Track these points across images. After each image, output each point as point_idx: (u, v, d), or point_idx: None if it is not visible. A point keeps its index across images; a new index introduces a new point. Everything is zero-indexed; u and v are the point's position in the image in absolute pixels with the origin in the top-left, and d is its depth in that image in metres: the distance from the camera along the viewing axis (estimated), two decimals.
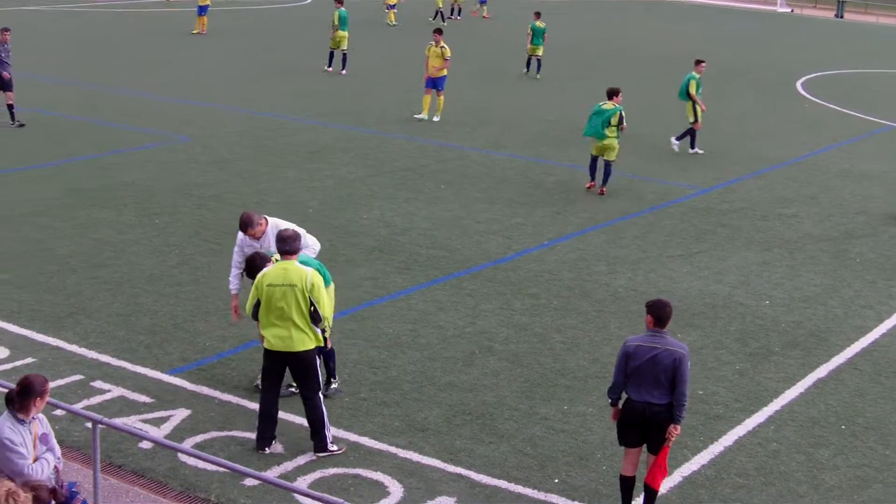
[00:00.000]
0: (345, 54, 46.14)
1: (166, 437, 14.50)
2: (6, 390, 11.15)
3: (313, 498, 10.93)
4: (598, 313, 19.84)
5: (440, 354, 17.64)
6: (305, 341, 14.18)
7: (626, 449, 13.25)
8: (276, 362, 14.36)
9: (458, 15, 70.62)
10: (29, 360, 16.56)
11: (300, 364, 14.29)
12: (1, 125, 31.69)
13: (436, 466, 14.23)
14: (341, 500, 10.24)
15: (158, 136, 31.70)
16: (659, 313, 12.95)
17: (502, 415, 15.72)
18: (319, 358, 14.74)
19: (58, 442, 11.45)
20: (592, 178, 28.52)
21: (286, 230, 14.65)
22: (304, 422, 15.00)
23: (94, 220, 23.52)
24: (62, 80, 40.21)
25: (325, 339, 14.64)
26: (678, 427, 12.85)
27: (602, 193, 28.19)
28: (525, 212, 25.94)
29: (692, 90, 33.23)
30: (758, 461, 14.92)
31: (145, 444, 14.16)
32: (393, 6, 65.36)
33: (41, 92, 37.45)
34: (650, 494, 13.11)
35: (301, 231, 15.73)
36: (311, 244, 15.95)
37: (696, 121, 33.38)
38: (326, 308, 14.39)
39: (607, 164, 28.23)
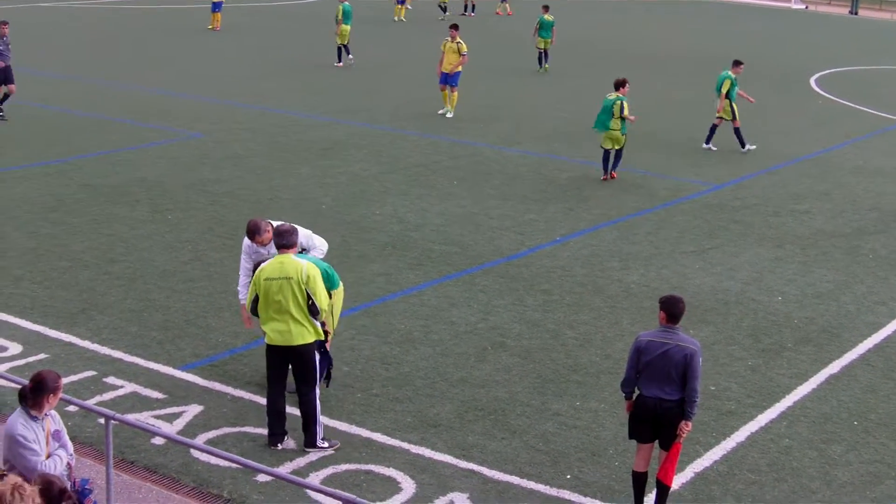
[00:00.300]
0: (346, 47, 46.66)
1: (179, 432, 14.53)
2: (19, 386, 11.16)
3: (326, 493, 10.92)
4: (611, 309, 19.83)
5: (452, 350, 17.65)
6: (305, 335, 14.18)
7: (638, 445, 13.25)
8: (278, 357, 14.36)
9: (472, 11, 70.53)
10: (42, 356, 16.61)
11: (299, 358, 14.28)
12: (13, 121, 31.80)
13: (448, 462, 14.24)
14: (354, 496, 10.24)
15: (171, 133, 31.76)
16: (671, 309, 12.94)
17: (514, 411, 15.72)
18: (319, 354, 14.67)
19: (70, 438, 11.45)
20: (606, 172, 29.02)
21: (283, 224, 14.72)
22: None
23: (106, 216, 23.57)
24: (75, 77, 40.29)
25: (325, 333, 14.64)
26: (689, 423, 12.83)
27: (612, 177, 29.18)
28: (538, 208, 25.93)
29: (724, 89, 33.13)
30: (770, 457, 14.91)
31: (158, 440, 14.19)
32: (402, 1, 65.47)
33: (54, 88, 37.58)
34: (662, 490, 13.10)
35: (307, 232, 15.77)
36: (318, 245, 15.91)
37: (734, 118, 33.29)
38: (324, 300, 14.31)
39: (617, 151, 29.22)
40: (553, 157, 31.58)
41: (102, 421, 12.89)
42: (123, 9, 64.50)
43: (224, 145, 30.54)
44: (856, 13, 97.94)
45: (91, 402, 14.65)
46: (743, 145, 33.47)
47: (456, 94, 36.40)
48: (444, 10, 67.41)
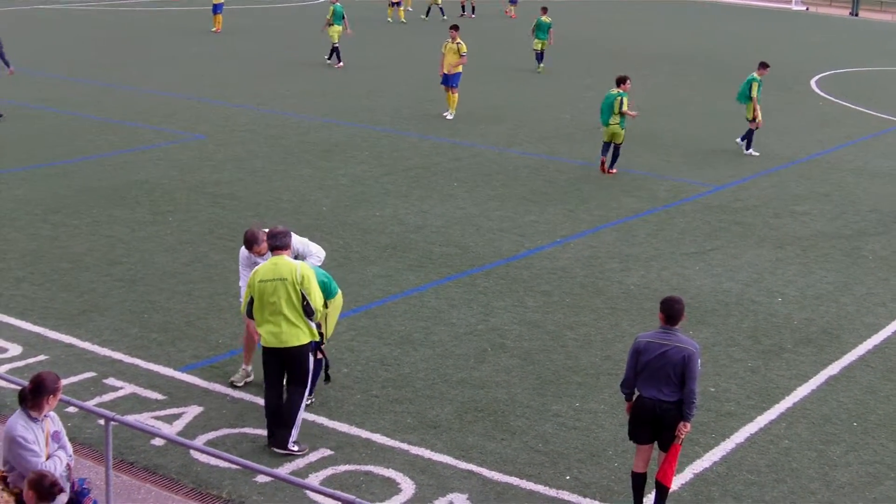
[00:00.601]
0: (336, 48, 47.09)
1: (178, 433, 14.54)
2: (19, 388, 11.18)
3: (325, 494, 10.92)
4: (611, 311, 19.85)
5: (452, 352, 17.66)
6: (300, 336, 14.16)
7: (637, 446, 13.26)
8: (274, 358, 14.33)
9: (472, 12, 70.53)
10: (42, 357, 16.62)
11: (293, 359, 14.25)
12: (14, 123, 31.86)
13: (447, 463, 14.25)
14: (353, 497, 10.25)
15: (172, 135, 31.78)
16: (669, 310, 12.95)
17: (514, 412, 15.74)
18: (314, 356, 14.63)
19: (70, 439, 11.49)
20: (603, 155, 30.10)
21: (276, 226, 14.69)
22: (315, 417, 15.14)
23: (107, 218, 23.59)
24: (75, 78, 40.29)
25: (320, 335, 14.63)
26: (688, 424, 12.83)
27: (610, 173, 29.89)
28: (538, 209, 25.94)
29: (754, 92, 33.20)
30: (769, 458, 14.92)
31: (157, 441, 14.20)
32: (398, 3, 65.72)
33: (55, 90, 37.60)
34: (661, 491, 13.11)
35: (304, 240, 15.73)
36: (314, 252, 15.85)
37: (753, 119, 33.36)
38: (318, 300, 14.26)
39: (615, 147, 29.93)
40: (553, 158, 31.59)
41: (102, 422, 12.89)
42: (123, 11, 64.53)
43: (225, 147, 30.56)
44: (856, 14, 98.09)
45: (91, 404, 14.63)
46: (748, 147, 33.51)
47: (456, 95, 36.42)
48: (429, 12, 67.67)
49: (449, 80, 36.43)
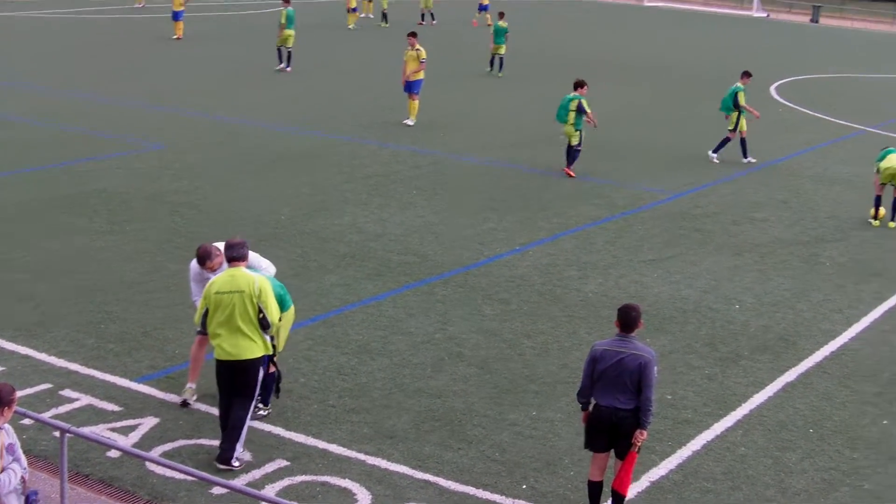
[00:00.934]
0: (289, 52, 47.74)
1: (134, 445, 14.46)
2: None
3: None
4: (569, 318, 19.89)
5: (410, 361, 17.65)
6: (254, 349, 14.05)
7: (593, 454, 13.29)
8: (227, 371, 14.17)
9: (433, 20, 70.54)
10: None
11: (245, 372, 14.08)
12: None
13: (404, 473, 14.23)
14: None
15: (131, 143, 31.65)
16: (625, 318, 13.00)
17: (471, 421, 15.74)
18: (264, 370, 14.53)
19: (25, 452, 11.40)
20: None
21: (233, 238, 14.58)
22: (272, 428, 15.11)
23: (65, 228, 23.47)
24: (32, 87, 40.08)
25: (273, 347, 14.56)
26: (644, 432, 12.89)
27: (568, 174, 30.58)
28: (497, 217, 25.98)
29: (742, 101, 33.34)
30: (725, 465, 14.98)
31: (113, 453, 14.12)
32: (354, 9, 66.08)
33: (13, 98, 37.40)
34: (618, 499, 13.16)
35: (255, 255, 15.47)
36: (265, 267, 15.65)
37: (734, 129, 33.55)
38: (275, 314, 14.16)
39: (571, 148, 30.77)
40: (513, 165, 31.65)
41: (58, 434, 12.81)
42: (82, 19, 64.21)
43: (184, 156, 30.46)
44: (817, 21, 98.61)
45: (46, 416, 14.56)
46: (716, 151, 33.68)
47: (417, 102, 36.47)
48: (385, 17, 68.15)
49: (410, 87, 36.50)
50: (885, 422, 16.70)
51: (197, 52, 51.81)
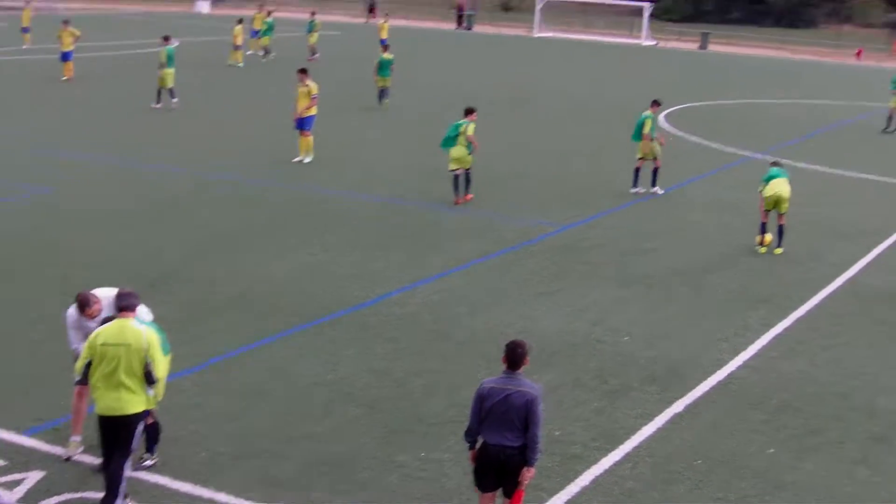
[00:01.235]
0: (171, 90, 47.63)
1: (19, 500, 14.24)
2: None
3: None
4: (458, 356, 19.90)
5: (299, 404, 17.53)
6: (136, 403, 13.80)
7: (480, 494, 13.27)
8: (109, 425, 13.90)
9: (313, 55, 70.11)
10: None
11: (126, 427, 13.81)
12: None
13: None
14: None
15: (15, 189, 31.19)
16: (511, 355, 13.04)
17: (360, 464, 15.67)
18: (144, 422, 14.31)
19: None
20: (457, 194, 31.46)
21: (123, 287, 14.42)
22: (158, 478, 14.92)
23: None
24: None
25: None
26: (532, 469, 12.90)
27: (466, 200, 31.60)
28: (387, 255, 25.94)
29: (646, 129, 33.59)
30: (612, 500, 15.04)
31: None
32: (240, 47, 66.01)
33: None
34: None
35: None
36: (143, 314, 15.54)
37: (643, 158, 33.83)
38: (162, 369, 13.97)
39: (466, 173, 31.41)
40: (402, 202, 31.68)
41: None
42: None
43: (71, 200, 30.04)
44: (705, 48, 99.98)
45: None
46: (654, 184, 33.95)
47: (311, 138, 36.39)
48: (267, 52, 68.76)
49: (302, 124, 36.43)
50: (771, 450, 16.88)
51: (85, 92, 51.29)
